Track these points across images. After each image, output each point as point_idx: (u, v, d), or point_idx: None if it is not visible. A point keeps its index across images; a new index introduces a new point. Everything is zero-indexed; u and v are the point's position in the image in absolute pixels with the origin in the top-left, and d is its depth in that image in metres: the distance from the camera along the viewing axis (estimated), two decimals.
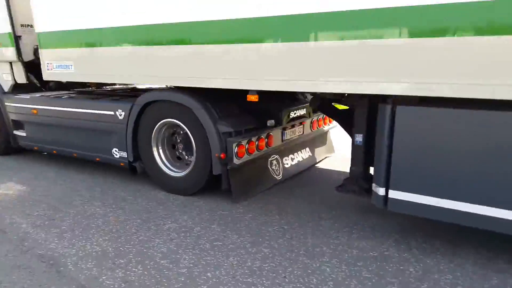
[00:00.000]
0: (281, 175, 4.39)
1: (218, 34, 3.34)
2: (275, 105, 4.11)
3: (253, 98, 3.49)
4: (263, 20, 3.07)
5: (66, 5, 4.39)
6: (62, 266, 2.76)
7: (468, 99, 2.42)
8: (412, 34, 2.52)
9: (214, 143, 3.69)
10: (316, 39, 2.87)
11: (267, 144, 3.96)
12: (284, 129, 4.24)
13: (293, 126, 4.38)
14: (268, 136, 3.96)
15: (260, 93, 3.44)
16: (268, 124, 4.05)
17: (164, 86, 4.42)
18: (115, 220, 3.54)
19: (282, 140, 4.25)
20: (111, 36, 4.12)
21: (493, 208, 2.48)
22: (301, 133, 4.59)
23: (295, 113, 4.40)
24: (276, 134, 4.11)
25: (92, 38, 4.33)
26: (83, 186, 4.50)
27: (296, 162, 4.72)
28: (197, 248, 3.01)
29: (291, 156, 4.64)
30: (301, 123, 4.55)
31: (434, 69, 2.48)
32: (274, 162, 4.35)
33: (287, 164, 4.56)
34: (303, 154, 4.88)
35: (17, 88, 5.55)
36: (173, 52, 3.66)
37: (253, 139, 3.76)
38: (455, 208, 2.61)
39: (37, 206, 3.89)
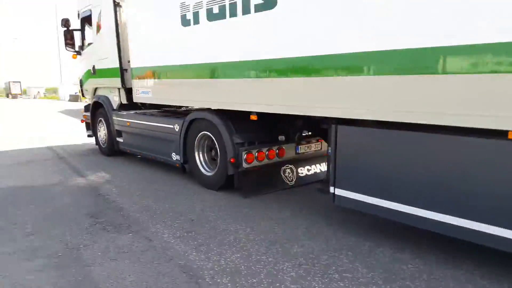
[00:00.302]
0: (293, 181, 5.24)
1: (245, 72, 4.50)
2: (287, 125, 5.04)
3: (253, 117, 4.73)
4: (271, 62, 4.15)
5: (144, 49, 6.30)
6: (200, 278, 2.95)
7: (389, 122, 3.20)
8: (339, 73, 3.52)
9: (229, 150, 4.86)
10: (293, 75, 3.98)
11: (278, 155, 5.00)
12: (298, 144, 5.18)
13: (308, 142, 5.33)
14: (279, 149, 5.00)
15: (269, 114, 4.44)
16: (279, 139, 5.14)
17: (208, 107, 5.36)
18: (246, 238, 3.69)
19: (296, 153, 5.22)
20: (174, 71, 5.73)
21: (410, 207, 3.17)
22: (319, 148, 5.46)
23: (305, 133, 5.27)
24: (288, 148, 5.11)
25: (160, 73, 6.05)
26: (215, 203, 4.82)
27: (313, 172, 5.49)
28: (326, 277, 2.94)
29: (307, 167, 5.43)
30: (318, 140, 5.44)
31: (358, 100, 3.37)
32: (288, 170, 5.20)
33: (302, 173, 5.37)
34: (322, 167, 5.55)
35: (122, 106, 7.35)
36: (217, 83, 4.93)
37: (263, 149, 4.85)
38: (381, 205, 3.36)
39: (176, 218, 4.28)
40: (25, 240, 3.70)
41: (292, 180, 5.24)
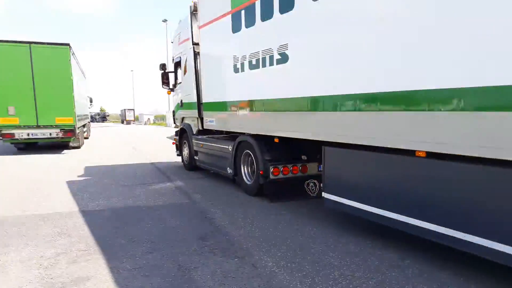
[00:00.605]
0: (315, 194, 5.91)
1: (269, 106, 6.05)
2: (311, 147, 5.75)
3: (276, 140, 6.22)
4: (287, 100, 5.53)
5: (210, 88, 8.06)
6: None
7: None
8: (326, 109, 4.76)
9: (260, 165, 6.32)
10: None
11: (301, 171, 6.21)
12: (320, 163, 5.78)
13: None
14: (302, 166, 6.23)
15: (293, 138, 5.69)
16: (302, 158, 6.31)
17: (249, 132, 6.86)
18: (351, 275, 3.53)
19: (319, 170, 6.09)
20: (227, 106, 7.32)
21: (384, 210, 4.05)
22: None
23: None
24: (311, 166, 6.27)
25: (219, 107, 7.66)
26: (315, 233, 4.72)
27: None
28: None
29: None
30: None
31: (330, 128, 4.71)
32: (312, 184, 6.02)
33: None
34: None
35: (200, 132, 9.08)
36: (252, 115, 6.52)
37: (288, 166, 6.18)
38: (359, 207, 4.38)
39: (279, 246, 4.29)
40: (143, 257, 4.01)
41: (314, 192, 5.99)
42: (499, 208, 3.02)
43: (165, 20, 43.44)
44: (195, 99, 8.86)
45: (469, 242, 3.22)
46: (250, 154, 6.76)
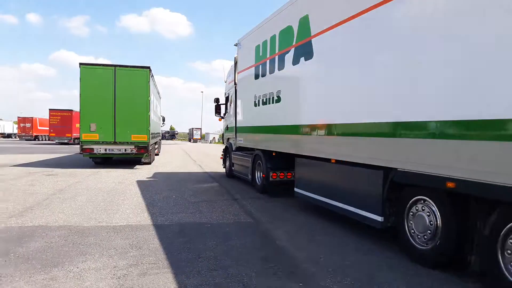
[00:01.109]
0: None
1: (269, 131, 8.82)
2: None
3: (274, 153, 8.78)
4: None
5: (240, 117, 11.17)
6: None
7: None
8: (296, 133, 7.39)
9: (264, 171, 9.01)
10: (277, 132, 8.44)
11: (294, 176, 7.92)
12: None
13: None
14: (292, 173, 8.35)
15: (283, 153, 8.22)
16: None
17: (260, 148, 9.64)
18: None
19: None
20: (249, 129, 10.31)
21: (331, 200, 6.22)
22: None
23: None
24: None
25: (245, 130, 10.72)
26: (384, 261, 4.45)
27: None
28: None
29: None
30: None
31: (301, 145, 7.23)
32: None
33: None
34: None
35: (237, 149, 11.83)
36: (261, 136, 9.34)
37: (284, 172, 8.82)
38: (313, 196, 6.86)
39: (345, 275, 4.09)
40: (209, 274, 4.04)
41: None
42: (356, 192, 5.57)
43: (236, 44, 44.80)
44: (234, 124, 11.78)
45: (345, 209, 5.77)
46: (260, 164, 9.44)
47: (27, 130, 51.97)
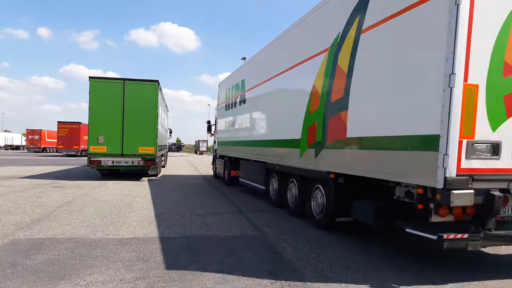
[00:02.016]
0: None
1: (235, 144, 13.52)
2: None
3: (232, 159, 13.98)
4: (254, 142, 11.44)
5: (218, 134, 16.75)
6: None
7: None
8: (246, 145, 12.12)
9: (228, 170, 14.17)
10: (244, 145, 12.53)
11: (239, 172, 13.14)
12: None
13: None
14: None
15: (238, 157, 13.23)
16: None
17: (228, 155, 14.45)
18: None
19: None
20: (223, 143, 15.51)
21: (251, 182, 11.44)
22: None
23: None
24: None
25: (220, 144, 16.17)
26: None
27: None
28: None
29: None
30: None
31: (243, 152, 12.29)
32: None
33: None
34: None
35: (219, 157, 16.50)
36: (229, 148, 14.33)
37: (236, 170, 13.32)
38: (246, 182, 11.91)
39: None
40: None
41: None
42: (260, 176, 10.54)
43: (243, 58, 45.77)
44: (218, 140, 16.62)
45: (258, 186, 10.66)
46: (226, 166, 14.48)
47: (35, 142, 52.48)
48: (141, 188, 12.63)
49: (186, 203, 9.73)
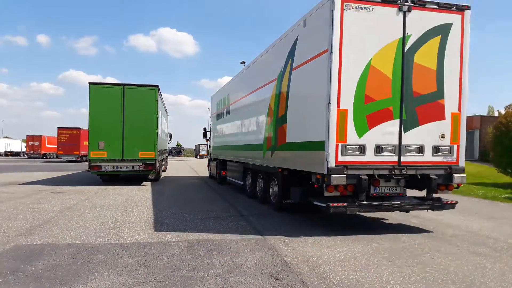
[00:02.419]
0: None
1: (225, 148, 15.49)
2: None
3: (222, 160, 16.24)
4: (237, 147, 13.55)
5: (212, 139, 18.98)
6: None
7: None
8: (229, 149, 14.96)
9: (218, 170, 16.73)
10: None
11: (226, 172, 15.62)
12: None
13: None
14: None
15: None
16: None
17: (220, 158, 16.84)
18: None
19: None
20: (214, 147, 18.37)
21: (235, 179, 14.04)
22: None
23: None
24: None
25: (213, 148, 18.67)
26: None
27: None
28: None
29: None
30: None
31: (228, 155, 15.07)
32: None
33: None
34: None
35: (213, 159, 18.73)
36: (220, 152, 16.50)
37: (225, 171, 15.38)
38: (232, 180, 14.23)
39: None
40: None
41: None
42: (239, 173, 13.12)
43: (243, 62, 46.49)
44: (212, 144, 18.91)
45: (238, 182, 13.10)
46: (218, 167, 16.61)
47: (35, 148, 52.49)
48: (141, 193, 12.63)
49: (186, 207, 9.73)
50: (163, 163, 21.72)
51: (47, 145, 53.16)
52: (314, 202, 7.07)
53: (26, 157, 55.63)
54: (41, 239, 6.19)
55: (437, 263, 5.18)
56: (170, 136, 27.33)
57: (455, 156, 7.02)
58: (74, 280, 4.30)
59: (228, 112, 14.51)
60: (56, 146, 42.74)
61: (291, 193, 8.15)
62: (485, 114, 38.96)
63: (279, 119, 8.82)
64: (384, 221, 8.22)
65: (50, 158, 52.30)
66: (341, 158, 6.45)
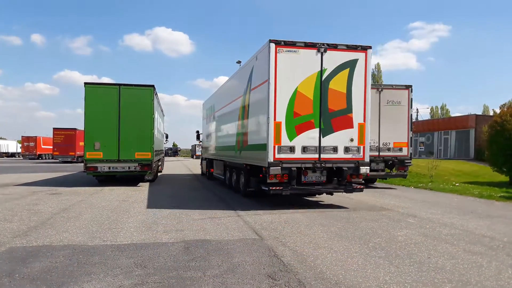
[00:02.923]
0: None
1: (218, 148, 16.57)
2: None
3: (209, 159, 19.60)
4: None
5: (204, 142, 21.66)
6: None
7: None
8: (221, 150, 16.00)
9: (208, 167, 18.99)
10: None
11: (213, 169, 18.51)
12: None
13: None
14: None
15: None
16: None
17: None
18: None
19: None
20: (204, 148, 21.43)
21: (220, 175, 16.33)
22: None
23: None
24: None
25: (203, 149, 21.95)
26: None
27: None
28: None
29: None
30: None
31: (214, 154, 17.73)
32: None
33: None
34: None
35: (203, 159, 21.62)
36: (215, 152, 17.07)
37: (213, 168, 17.94)
38: (218, 176, 16.76)
39: None
40: None
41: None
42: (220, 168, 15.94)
43: (239, 62, 47.52)
44: (202, 145, 21.95)
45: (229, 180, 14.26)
46: (206, 165, 19.22)
47: (30, 149, 52.23)
48: (138, 194, 12.59)
49: (183, 207, 9.71)
50: (160, 163, 21.66)
51: (42, 146, 52.92)
52: (262, 187, 9.74)
53: (22, 158, 55.33)
54: (37, 240, 6.16)
55: (434, 262, 5.20)
56: (166, 137, 27.24)
57: (361, 154, 9.75)
58: (70, 282, 4.28)
59: (214, 119, 17.34)
60: (51, 147, 42.57)
61: (251, 182, 10.82)
62: (480, 113, 39.12)
63: (243, 126, 11.55)
64: (380, 221, 8.26)
65: (45, 159, 52.04)
66: (277, 156, 9.21)
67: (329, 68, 9.43)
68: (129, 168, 14.89)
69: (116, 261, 5.09)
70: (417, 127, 37.86)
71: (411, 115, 15.27)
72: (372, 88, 12.87)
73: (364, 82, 9.66)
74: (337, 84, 9.50)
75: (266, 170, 9.15)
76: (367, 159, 9.75)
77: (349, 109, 9.62)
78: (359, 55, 9.61)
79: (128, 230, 7.02)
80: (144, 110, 14.97)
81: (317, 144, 9.43)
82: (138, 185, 15.51)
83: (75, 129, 39.09)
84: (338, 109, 9.56)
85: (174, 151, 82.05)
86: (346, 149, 9.62)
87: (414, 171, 20.10)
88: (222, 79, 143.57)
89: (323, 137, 9.47)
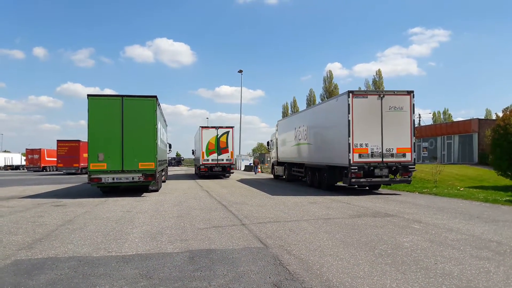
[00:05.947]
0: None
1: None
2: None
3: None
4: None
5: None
6: None
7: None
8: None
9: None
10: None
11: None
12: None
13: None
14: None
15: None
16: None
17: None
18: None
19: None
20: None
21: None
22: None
23: None
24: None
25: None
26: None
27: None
28: None
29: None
30: None
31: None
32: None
33: None
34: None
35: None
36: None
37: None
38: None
39: None
40: None
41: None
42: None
43: (240, 71, 48.88)
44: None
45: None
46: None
47: (35, 162, 52.46)
48: (142, 204, 12.59)
49: (187, 217, 9.70)
50: (163, 173, 21.69)
51: (46, 158, 53.13)
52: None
53: (26, 170, 55.53)
54: (42, 252, 6.16)
55: (440, 268, 5.16)
56: (170, 146, 27.36)
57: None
58: None
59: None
60: (55, 159, 42.73)
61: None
62: (483, 117, 39.00)
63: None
64: (385, 227, 8.21)
65: (50, 171, 52.22)
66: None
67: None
68: (133, 178, 14.91)
69: (121, 272, 5.09)
70: (420, 133, 37.83)
71: (414, 120, 15.26)
72: (373, 94, 15.15)
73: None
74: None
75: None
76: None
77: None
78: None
79: (133, 240, 7.02)
80: (147, 120, 15.03)
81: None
82: (143, 195, 15.51)
83: (78, 140, 39.31)
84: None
85: (177, 161, 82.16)
86: (228, 160, 21.47)
87: (418, 177, 20.04)
88: (223, 89, 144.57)
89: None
